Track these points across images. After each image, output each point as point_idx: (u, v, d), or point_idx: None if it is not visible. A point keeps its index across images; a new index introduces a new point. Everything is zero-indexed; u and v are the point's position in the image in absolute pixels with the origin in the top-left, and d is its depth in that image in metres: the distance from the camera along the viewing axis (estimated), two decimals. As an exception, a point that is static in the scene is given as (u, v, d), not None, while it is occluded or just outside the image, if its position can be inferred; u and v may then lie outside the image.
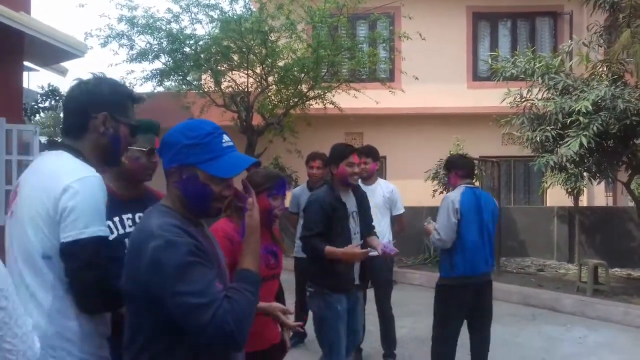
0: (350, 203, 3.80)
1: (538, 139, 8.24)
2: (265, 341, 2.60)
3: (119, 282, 1.64)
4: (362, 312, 4.13)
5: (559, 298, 7.34)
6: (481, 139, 11.30)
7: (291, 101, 10.39)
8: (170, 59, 10.20)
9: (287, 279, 4.76)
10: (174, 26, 10.07)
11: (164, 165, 1.69)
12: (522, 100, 8.74)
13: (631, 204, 10.08)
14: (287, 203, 5.71)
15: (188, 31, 10.11)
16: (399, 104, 11.25)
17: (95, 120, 1.85)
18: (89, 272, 1.67)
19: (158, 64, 10.31)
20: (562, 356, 5.40)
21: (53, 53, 8.15)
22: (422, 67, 11.25)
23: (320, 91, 10.30)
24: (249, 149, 10.09)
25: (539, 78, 8.45)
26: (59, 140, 1.90)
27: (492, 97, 9.62)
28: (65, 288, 1.71)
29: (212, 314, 1.48)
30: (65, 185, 1.68)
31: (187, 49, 10.11)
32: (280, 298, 2.85)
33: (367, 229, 4.00)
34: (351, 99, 10.55)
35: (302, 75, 9.96)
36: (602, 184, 11.65)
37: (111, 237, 1.99)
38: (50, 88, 10.26)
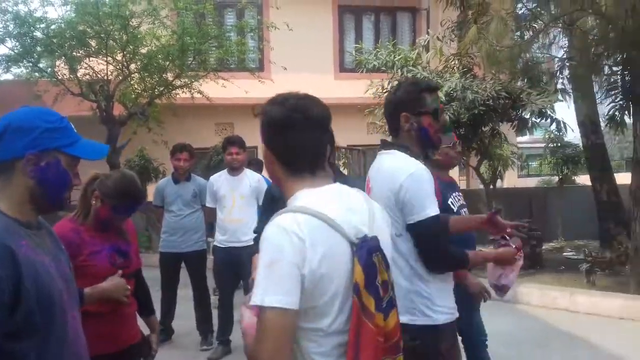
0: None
1: (398, 128, 8.73)
2: (120, 342, 2.46)
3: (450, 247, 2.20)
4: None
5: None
6: (349, 129, 11.61)
7: (156, 90, 9.97)
8: (17, 43, 9.31)
9: (153, 276, 4.62)
10: (22, 8, 9.19)
11: (12, 154, 1.50)
12: (384, 91, 9.18)
13: (481, 186, 11.04)
14: (150, 196, 5.56)
15: (38, 14, 9.28)
16: (268, 93, 10.96)
17: (401, 120, 2.24)
18: (430, 243, 2.13)
19: (4, 49, 9.38)
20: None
21: None
22: (291, 57, 11.36)
23: (186, 80, 10.01)
24: (110, 140, 9.52)
25: (399, 70, 8.94)
26: (390, 140, 2.34)
27: (357, 88, 9.98)
28: (415, 257, 2.17)
29: None
30: (400, 182, 2.12)
31: (37, 33, 9.28)
32: (142, 297, 2.71)
33: None
34: (220, 89, 10.38)
35: (167, 63, 9.59)
36: (457, 168, 12.63)
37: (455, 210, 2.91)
38: None
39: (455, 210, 3.19)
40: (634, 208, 6.71)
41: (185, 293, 5.42)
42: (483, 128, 9.05)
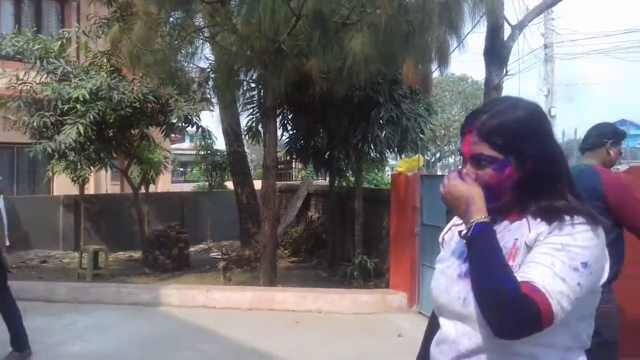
0: None
1: (36, 125, 7.87)
2: None
3: None
4: None
5: (54, 287, 7.19)
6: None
7: None
8: None
9: None
10: None
11: None
12: (19, 82, 8.18)
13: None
14: None
15: None
16: None
17: None
18: None
19: None
20: (47, 346, 5.26)
21: None
22: None
23: None
24: None
25: (38, 61, 8.09)
26: None
27: (-11, 76, 8.62)
28: None
29: None
30: None
31: None
32: None
33: None
34: None
35: None
36: (110, 172, 12.15)
37: None
38: None
39: None
40: (264, 209, 7.52)
41: None
42: (132, 131, 8.90)
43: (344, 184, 10.49)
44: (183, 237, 9.58)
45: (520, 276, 1.16)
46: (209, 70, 8.39)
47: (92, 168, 9.26)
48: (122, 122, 8.23)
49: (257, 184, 11.32)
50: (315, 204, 11.54)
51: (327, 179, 10.64)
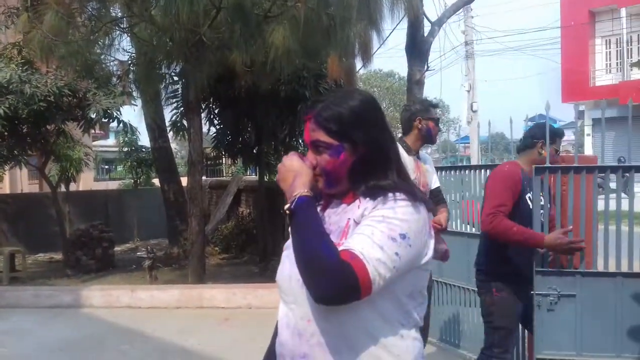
0: None
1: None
2: None
3: None
4: None
5: (-35, 293, 6.78)
6: None
7: None
8: None
9: None
10: None
11: None
12: None
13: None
14: None
15: None
16: None
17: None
18: None
19: None
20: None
21: None
22: None
23: None
24: None
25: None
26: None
27: None
28: None
29: None
30: None
31: None
32: None
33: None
34: None
35: None
36: (26, 170, 11.54)
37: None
38: None
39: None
40: (190, 205, 7.38)
41: None
42: (48, 126, 8.48)
43: (274, 178, 10.46)
44: (107, 237, 9.25)
45: (343, 246, 1.22)
46: (129, 62, 8.10)
47: (5, 166, 8.76)
48: (36, 117, 7.82)
49: (186, 181, 11.11)
50: (246, 199, 11.45)
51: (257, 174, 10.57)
